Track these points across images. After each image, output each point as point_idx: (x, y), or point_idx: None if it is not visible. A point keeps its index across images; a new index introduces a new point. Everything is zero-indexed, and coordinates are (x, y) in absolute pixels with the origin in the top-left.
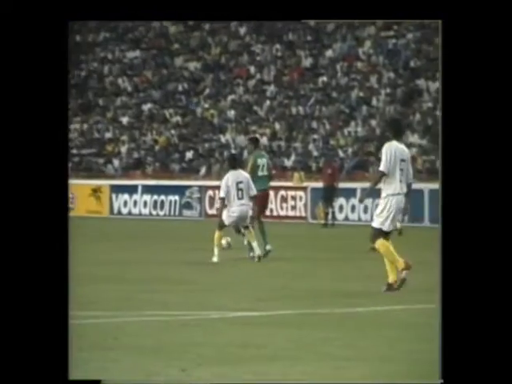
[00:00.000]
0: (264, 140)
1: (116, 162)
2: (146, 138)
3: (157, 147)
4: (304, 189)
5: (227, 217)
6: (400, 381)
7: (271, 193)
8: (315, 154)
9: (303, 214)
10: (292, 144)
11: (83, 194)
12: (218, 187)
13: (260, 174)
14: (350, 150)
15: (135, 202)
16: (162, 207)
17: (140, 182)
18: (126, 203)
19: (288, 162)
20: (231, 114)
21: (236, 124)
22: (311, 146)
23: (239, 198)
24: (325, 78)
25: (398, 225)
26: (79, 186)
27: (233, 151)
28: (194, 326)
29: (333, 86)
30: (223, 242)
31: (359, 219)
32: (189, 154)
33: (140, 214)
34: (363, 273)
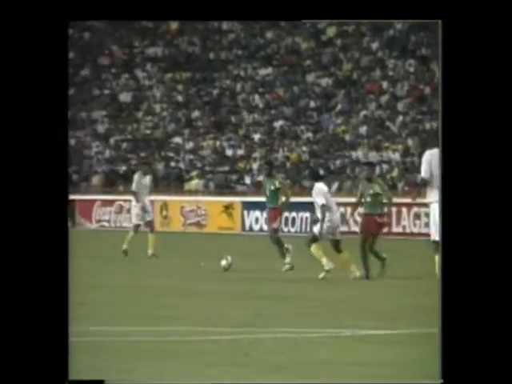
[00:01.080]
0: (396, 156)
1: (248, 179)
2: (277, 155)
3: (288, 164)
4: None
5: (326, 227)
6: (400, 381)
7: (404, 210)
8: None
9: None
10: None
11: (215, 211)
12: (349, 204)
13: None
14: None
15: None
16: (293, 224)
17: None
18: (257, 220)
19: None
20: (363, 130)
21: (368, 140)
22: None
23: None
24: None
25: None
26: (211, 203)
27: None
28: (325, 344)
29: None
30: (223, 262)
31: None
32: (320, 171)
33: None
34: None
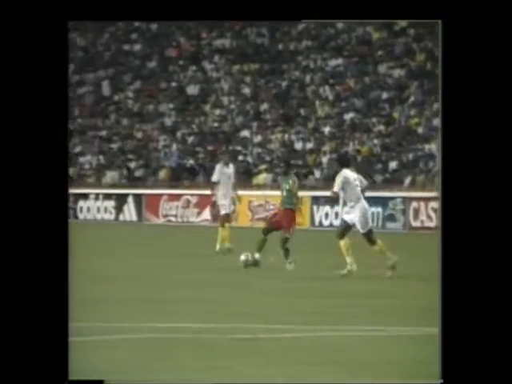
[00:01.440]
0: None
1: (317, 173)
2: (347, 148)
3: (359, 157)
4: None
5: (350, 219)
6: (400, 381)
7: None
8: None
9: None
10: None
11: None
12: (423, 199)
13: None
14: None
15: (336, 214)
16: None
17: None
18: (327, 215)
19: None
20: (437, 122)
21: None
22: None
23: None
24: None
25: None
26: (280, 198)
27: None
28: (392, 343)
29: None
30: (242, 257)
31: None
32: (392, 164)
33: None
34: None
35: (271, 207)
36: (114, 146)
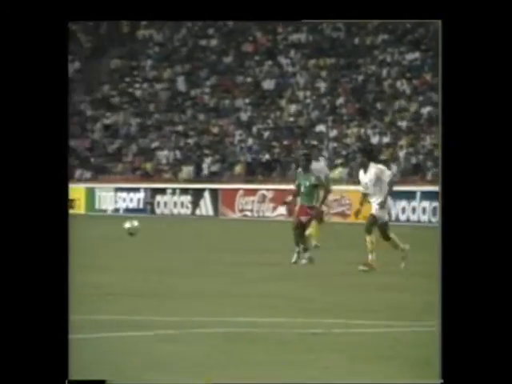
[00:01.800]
0: None
1: (394, 168)
2: (425, 143)
3: (436, 152)
4: None
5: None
6: (400, 380)
7: None
8: None
9: None
10: None
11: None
12: None
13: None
14: None
15: (414, 209)
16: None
17: (419, 188)
18: (404, 210)
19: None
20: None
21: None
22: None
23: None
24: None
25: None
26: (356, 192)
27: None
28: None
29: None
30: (127, 225)
31: None
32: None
33: (419, 221)
34: None
35: (347, 202)
36: (191, 141)
